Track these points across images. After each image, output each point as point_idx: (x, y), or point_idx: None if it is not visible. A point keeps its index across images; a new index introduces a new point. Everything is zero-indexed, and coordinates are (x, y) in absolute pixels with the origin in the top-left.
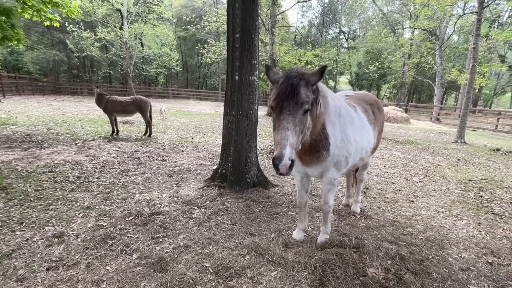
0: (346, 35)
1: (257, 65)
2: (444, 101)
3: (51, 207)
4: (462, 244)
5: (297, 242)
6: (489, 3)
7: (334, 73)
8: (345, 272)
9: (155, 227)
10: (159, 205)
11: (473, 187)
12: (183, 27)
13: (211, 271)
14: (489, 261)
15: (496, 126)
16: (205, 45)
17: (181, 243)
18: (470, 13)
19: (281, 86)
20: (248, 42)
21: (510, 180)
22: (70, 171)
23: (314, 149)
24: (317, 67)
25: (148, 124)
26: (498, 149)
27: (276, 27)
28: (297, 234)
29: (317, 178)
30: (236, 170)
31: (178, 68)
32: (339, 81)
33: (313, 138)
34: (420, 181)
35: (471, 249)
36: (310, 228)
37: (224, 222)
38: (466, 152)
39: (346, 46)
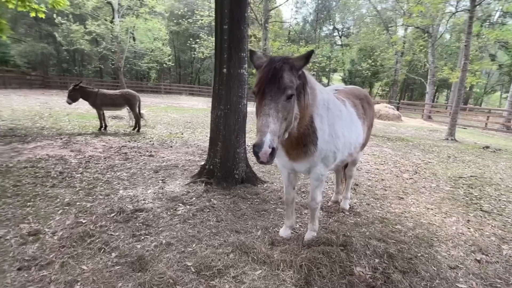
0: (339, 32)
1: (246, 58)
2: (435, 99)
3: (28, 203)
4: (451, 241)
5: (284, 240)
6: (481, 1)
7: (327, 70)
8: (331, 271)
9: (137, 224)
10: (142, 202)
11: (463, 184)
12: (176, 22)
13: (193, 270)
14: (478, 258)
15: (486, 124)
16: (197, 40)
17: (163, 241)
18: (462, 10)
19: (264, 70)
20: (237, 34)
21: (498, 177)
22: (52, 166)
23: (302, 143)
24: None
25: (137, 118)
26: (487, 147)
27: (269, 23)
28: (283, 232)
29: (304, 174)
30: (224, 166)
31: (170, 63)
32: (332, 78)
33: (301, 131)
34: (410, 178)
35: (460, 247)
36: (298, 225)
37: (209, 219)
38: (456, 149)
39: (340, 43)
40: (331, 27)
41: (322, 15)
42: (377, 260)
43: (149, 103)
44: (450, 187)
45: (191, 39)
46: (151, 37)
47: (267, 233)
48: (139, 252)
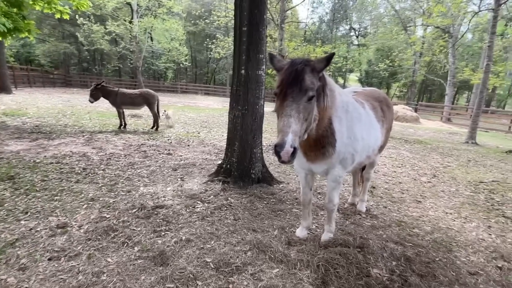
0: (356, 32)
1: (264, 60)
2: (455, 101)
3: (56, 197)
4: (471, 247)
5: (300, 240)
6: (506, 0)
7: (343, 70)
8: (348, 272)
9: (157, 220)
10: (162, 199)
11: (484, 189)
12: (193, 22)
13: (212, 266)
14: (499, 265)
15: (510, 127)
16: (213, 40)
17: (183, 237)
18: (486, 10)
19: (285, 73)
20: (255, 35)
21: None
22: (76, 162)
23: (320, 144)
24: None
25: (155, 117)
26: (510, 151)
27: (285, 23)
28: (300, 232)
29: (322, 176)
30: (241, 166)
31: (187, 63)
32: (349, 79)
33: (319, 133)
34: (428, 182)
35: (480, 253)
36: (314, 226)
37: (227, 218)
38: (477, 153)
39: (357, 43)
40: (347, 27)
41: (339, 15)
42: (394, 263)
43: (166, 102)
44: (470, 192)
45: (207, 39)
46: (168, 37)
47: (283, 232)
48: (160, 247)
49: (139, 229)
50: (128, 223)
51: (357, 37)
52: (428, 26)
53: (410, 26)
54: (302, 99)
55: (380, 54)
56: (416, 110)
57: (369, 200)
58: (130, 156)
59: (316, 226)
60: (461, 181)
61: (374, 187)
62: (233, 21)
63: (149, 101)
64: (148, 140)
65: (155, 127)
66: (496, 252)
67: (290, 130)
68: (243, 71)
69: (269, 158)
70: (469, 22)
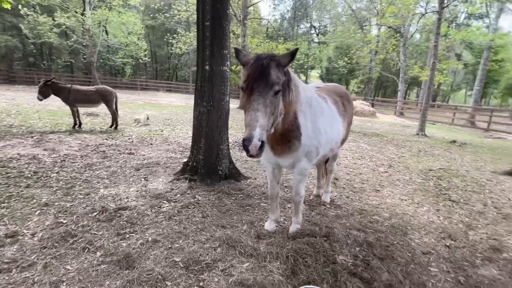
0: (316, 30)
1: (228, 55)
2: (407, 96)
3: (3, 204)
4: (423, 229)
5: (269, 233)
6: (448, 3)
7: (305, 67)
8: (316, 261)
9: (121, 222)
10: (125, 200)
11: (433, 176)
12: (151, 16)
13: (181, 265)
14: (447, 244)
15: (453, 120)
16: (174, 35)
17: (150, 238)
18: (431, 12)
19: (251, 67)
20: (219, 30)
21: (464, 170)
22: (25, 166)
23: (286, 138)
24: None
25: (114, 115)
26: (454, 141)
27: (248, 19)
28: (269, 225)
29: (288, 169)
30: (207, 163)
31: (146, 58)
32: (310, 76)
33: (285, 127)
34: (385, 171)
35: (431, 234)
36: (282, 219)
37: (195, 216)
38: (426, 144)
39: (317, 41)
40: (308, 25)
41: (300, 13)
42: (357, 249)
43: (125, 100)
44: (422, 179)
45: (168, 34)
46: (125, 31)
47: (252, 227)
48: (125, 250)
49: (101, 233)
50: (89, 228)
51: (317, 35)
52: (382, 25)
53: (366, 26)
54: (269, 93)
55: (339, 52)
56: (373, 105)
57: (332, 191)
58: (88, 157)
59: (284, 219)
60: (413, 169)
61: (337, 179)
62: (194, 16)
63: (106, 98)
64: (106, 139)
65: (114, 125)
66: (444, 233)
67: (257, 124)
68: (207, 67)
69: (236, 154)
70: (417, 23)
